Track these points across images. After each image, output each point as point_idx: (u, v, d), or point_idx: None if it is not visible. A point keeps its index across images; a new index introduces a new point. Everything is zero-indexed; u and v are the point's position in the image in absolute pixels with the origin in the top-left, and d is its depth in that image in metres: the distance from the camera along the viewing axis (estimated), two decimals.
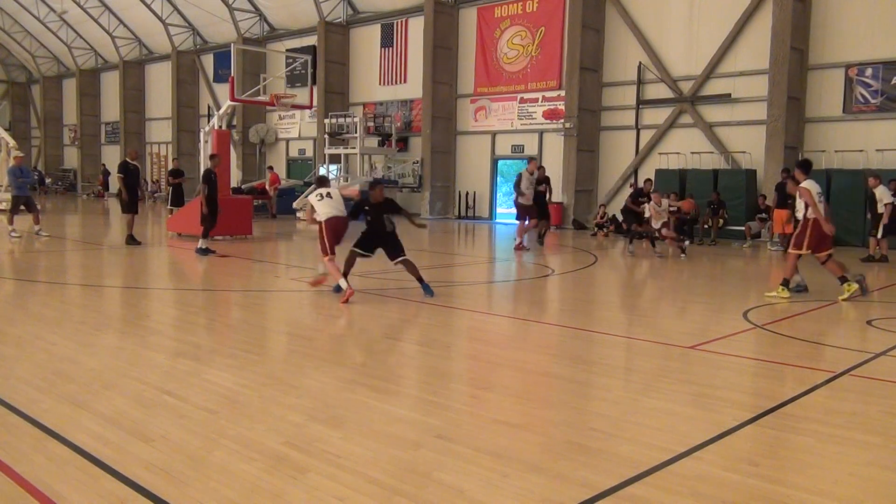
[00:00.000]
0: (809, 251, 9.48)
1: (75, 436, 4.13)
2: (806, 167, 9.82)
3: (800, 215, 9.65)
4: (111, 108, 42.63)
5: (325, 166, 28.35)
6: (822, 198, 9.69)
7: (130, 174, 15.18)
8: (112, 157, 42.50)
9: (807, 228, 9.46)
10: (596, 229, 20.59)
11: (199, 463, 3.82)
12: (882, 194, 13.93)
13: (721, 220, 18.14)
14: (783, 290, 9.55)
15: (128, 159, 15.44)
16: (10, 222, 16.18)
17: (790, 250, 9.75)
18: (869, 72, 17.69)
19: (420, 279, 9.30)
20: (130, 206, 15.03)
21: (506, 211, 27.55)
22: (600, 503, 3.43)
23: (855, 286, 9.43)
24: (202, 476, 3.65)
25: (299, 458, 3.88)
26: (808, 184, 9.55)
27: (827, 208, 9.90)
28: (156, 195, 36.31)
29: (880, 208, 13.96)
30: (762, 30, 18.99)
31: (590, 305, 9.71)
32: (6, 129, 30.64)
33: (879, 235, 14.04)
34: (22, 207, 16.15)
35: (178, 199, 18.96)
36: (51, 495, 3.39)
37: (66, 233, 16.59)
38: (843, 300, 9.37)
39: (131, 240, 14.92)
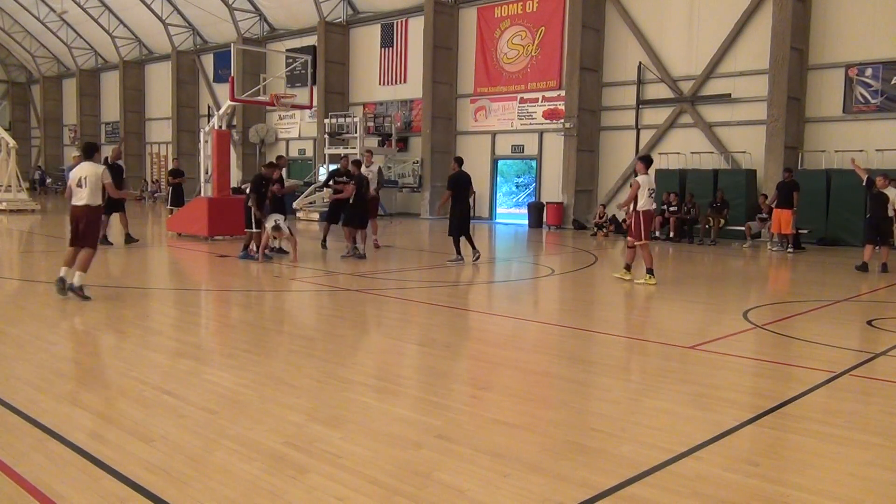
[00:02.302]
0: (644, 241, 10.57)
1: (75, 436, 4.13)
2: (647, 161, 10.74)
3: (637, 206, 10.62)
4: (111, 108, 42.64)
5: (325, 166, 28.35)
6: (654, 193, 10.75)
7: (114, 174, 15.12)
8: None
9: (639, 220, 10.55)
10: (596, 229, 20.59)
11: (199, 463, 3.82)
12: (895, 197, 12.56)
13: (723, 220, 18.14)
14: (650, 277, 10.54)
15: (108, 159, 15.43)
16: None
17: (635, 242, 10.72)
18: (869, 72, 17.69)
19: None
20: (117, 204, 14.95)
21: (506, 211, 27.60)
22: (600, 503, 3.43)
23: (653, 280, 10.54)
24: (202, 476, 3.65)
25: (299, 458, 3.88)
26: (643, 178, 10.50)
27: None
28: (156, 195, 36.32)
29: (890, 212, 12.56)
30: (762, 30, 18.99)
31: (590, 305, 9.71)
32: (6, 129, 30.67)
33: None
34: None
35: (177, 199, 18.95)
36: (51, 495, 3.39)
37: (66, 233, 16.57)
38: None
39: (129, 238, 14.92)
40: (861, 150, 17.67)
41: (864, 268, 12.34)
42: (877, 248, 12.75)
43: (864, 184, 13.01)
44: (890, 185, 12.75)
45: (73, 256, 8.58)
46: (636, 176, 10.70)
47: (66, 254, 8.71)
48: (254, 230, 12.71)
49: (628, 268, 10.94)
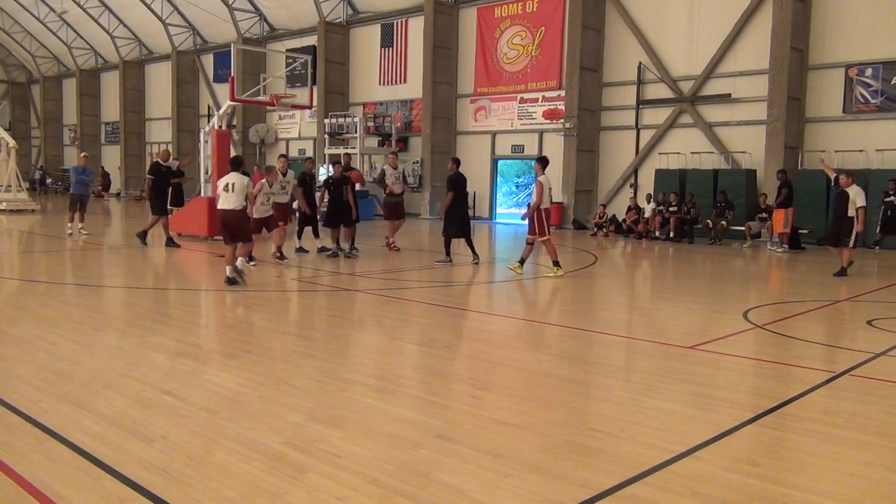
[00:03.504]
0: (548, 236, 11.34)
1: (75, 436, 4.13)
2: (544, 163, 11.58)
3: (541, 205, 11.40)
4: (111, 108, 42.64)
5: (325, 166, 28.36)
6: (551, 191, 11.65)
7: (161, 176, 15.09)
8: (112, 157, 42.52)
9: (541, 217, 11.30)
10: (596, 229, 20.60)
11: (199, 463, 3.82)
12: (856, 195, 11.85)
13: (725, 223, 18.10)
14: (558, 269, 11.39)
15: (160, 160, 15.38)
16: (71, 220, 16.66)
17: (538, 238, 11.44)
18: (869, 72, 17.68)
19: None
20: (159, 207, 14.97)
21: (506, 211, 27.59)
22: (600, 503, 3.43)
23: (561, 271, 11.41)
24: (202, 476, 3.65)
25: (299, 458, 3.88)
26: (544, 178, 11.33)
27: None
28: None
29: (851, 211, 11.82)
30: (762, 30, 18.99)
31: (590, 305, 9.71)
32: (6, 129, 30.66)
33: (851, 244, 11.91)
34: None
35: (178, 199, 18.93)
36: (51, 495, 3.39)
37: (75, 232, 16.58)
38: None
39: (143, 237, 14.81)
40: (861, 150, 17.69)
41: (843, 271, 11.92)
42: (852, 246, 12.02)
43: (832, 183, 12.67)
44: (854, 184, 12.12)
45: (233, 253, 9.97)
46: (537, 177, 11.41)
47: (228, 253, 10.01)
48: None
49: (522, 262, 11.56)
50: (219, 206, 10.01)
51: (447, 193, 12.56)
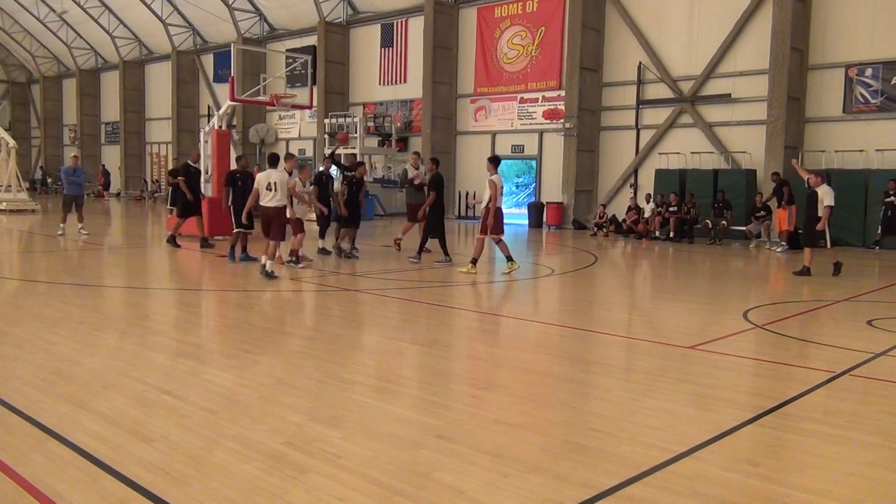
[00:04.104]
0: (492, 234, 11.37)
1: (75, 436, 4.13)
2: (496, 162, 11.64)
3: (482, 205, 11.51)
4: (111, 108, 42.65)
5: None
6: (503, 191, 11.75)
7: (192, 176, 15.04)
8: (112, 157, 42.52)
9: (489, 215, 11.27)
10: (596, 229, 20.60)
11: (199, 463, 3.82)
12: (824, 195, 11.71)
13: (725, 223, 18.08)
14: (472, 266, 11.41)
15: (189, 162, 15.33)
16: (63, 221, 16.65)
17: (479, 235, 11.61)
18: (869, 72, 17.69)
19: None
20: (193, 208, 14.90)
21: (506, 211, 27.54)
22: (600, 503, 3.43)
23: (517, 265, 11.52)
24: (202, 476, 3.65)
25: (299, 458, 3.88)
26: (496, 178, 11.41)
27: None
28: (156, 195, 36.35)
29: (820, 211, 11.73)
30: (762, 30, 18.99)
31: (590, 305, 9.71)
32: (6, 129, 30.66)
33: (829, 245, 11.97)
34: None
35: (177, 199, 18.90)
36: (51, 495, 3.39)
37: (67, 233, 16.58)
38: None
39: (204, 242, 14.71)
40: (861, 150, 17.69)
41: (805, 272, 11.85)
42: (830, 247, 12.04)
43: (805, 184, 12.46)
44: (824, 184, 12.00)
45: (275, 248, 10.51)
46: (491, 176, 11.43)
47: (266, 245, 10.51)
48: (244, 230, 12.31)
49: (510, 259, 11.54)
50: (262, 203, 10.37)
51: (428, 194, 12.70)
